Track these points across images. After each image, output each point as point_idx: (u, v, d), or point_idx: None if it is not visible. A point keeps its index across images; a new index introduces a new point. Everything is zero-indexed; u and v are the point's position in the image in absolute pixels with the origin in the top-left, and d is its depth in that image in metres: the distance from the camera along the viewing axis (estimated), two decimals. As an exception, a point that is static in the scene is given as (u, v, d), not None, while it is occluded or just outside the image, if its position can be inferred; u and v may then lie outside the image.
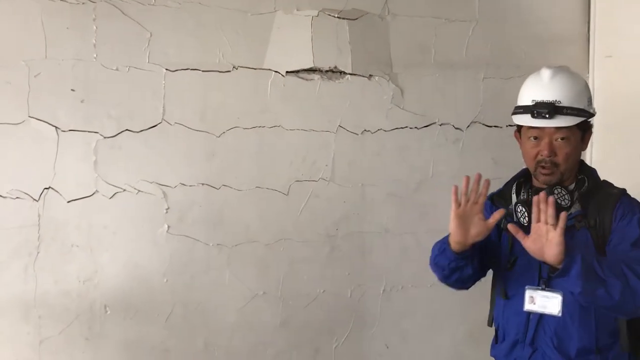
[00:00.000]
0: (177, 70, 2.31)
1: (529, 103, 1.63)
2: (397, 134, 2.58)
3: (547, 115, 1.58)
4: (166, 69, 2.30)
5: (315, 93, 2.46)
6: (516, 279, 1.68)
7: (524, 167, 1.76)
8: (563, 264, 1.42)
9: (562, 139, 1.61)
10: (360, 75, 2.51)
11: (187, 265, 2.35)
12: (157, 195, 2.31)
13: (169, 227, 2.33)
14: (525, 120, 1.64)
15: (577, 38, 2.79)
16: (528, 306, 1.63)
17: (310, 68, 2.45)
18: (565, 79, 1.65)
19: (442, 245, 1.67)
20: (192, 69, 2.33)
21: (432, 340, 2.69)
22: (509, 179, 1.80)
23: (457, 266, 1.67)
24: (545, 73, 1.65)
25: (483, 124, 2.69)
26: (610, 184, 1.71)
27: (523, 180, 1.75)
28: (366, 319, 2.60)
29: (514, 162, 2.68)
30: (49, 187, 2.19)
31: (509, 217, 1.64)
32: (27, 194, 2.17)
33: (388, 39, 2.55)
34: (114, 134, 2.26)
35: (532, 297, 1.62)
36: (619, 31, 2.69)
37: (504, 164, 2.69)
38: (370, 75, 2.53)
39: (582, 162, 1.75)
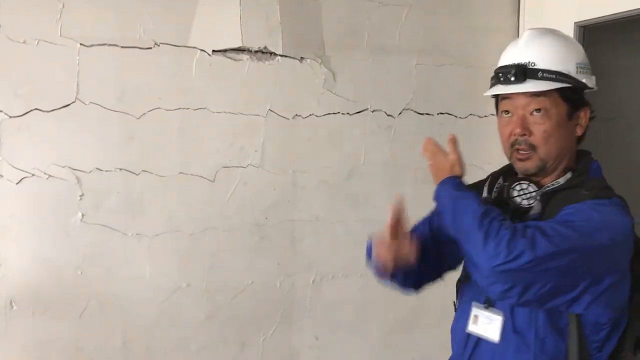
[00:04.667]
0: (92, 45, 2.15)
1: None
2: (329, 120, 2.50)
3: (513, 78, 1.30)
4: (80, 44, 2.13)
5: (244, 74, 2.35)
6: (467, 291, 1.46)
7: None
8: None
9: (538, 110, 1.30)
10: (291, 57, 2.41)
11: (103, 256, 2.22)
12: (69, 181, 2.16)
13: (83, 215, 2.17)
14: (492, 89, 1.36)
15: (507, 28, 2.80)
16: (471, 327, 1.41)
17: (239, 48, 2.33)
18: (547, 39, 1.34)
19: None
20: (109, 45, 2.17)
21: (361, 330, 2.65)
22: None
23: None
24: (525, 34, 1.37)
25: (415, 111, 2.65)
26: (599, 187, 1.30)
27: (504, 174, 1.45)
28: (295, 310, 2.53)
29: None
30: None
31: None
32: None
33: (320, 20, 2.46)
34: (22, 114, 2.09)
35: (476, 315, 1.39)
36: (547, 23, 2.73)
37: (435, 152, 2.68)
38: (302, 58, 2.43)
39: (584, 154, 1.39)
